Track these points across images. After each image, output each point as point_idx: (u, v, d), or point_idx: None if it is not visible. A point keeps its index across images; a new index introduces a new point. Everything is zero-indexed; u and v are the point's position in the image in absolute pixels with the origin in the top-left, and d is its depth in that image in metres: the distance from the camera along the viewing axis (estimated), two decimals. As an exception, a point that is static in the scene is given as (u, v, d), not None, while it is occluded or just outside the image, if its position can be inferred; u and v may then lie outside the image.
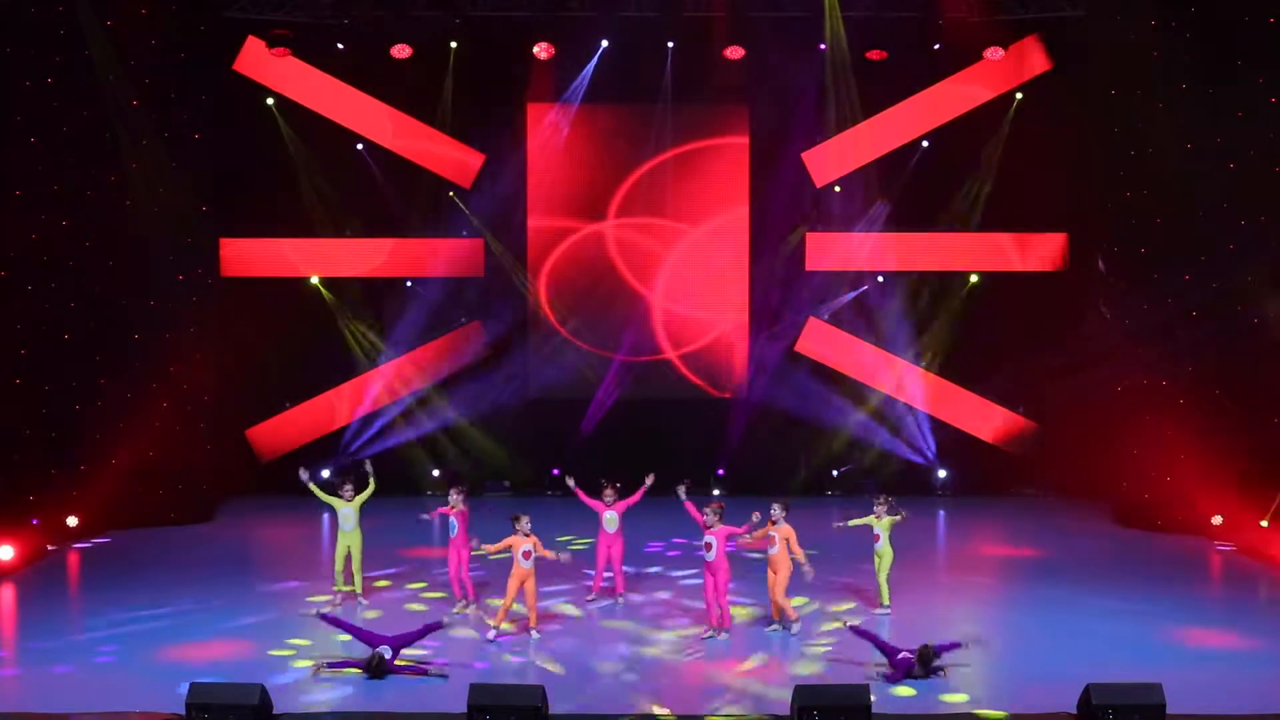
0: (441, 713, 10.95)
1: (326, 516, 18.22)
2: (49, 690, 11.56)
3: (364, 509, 14.54)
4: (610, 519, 14.50)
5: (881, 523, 14.03)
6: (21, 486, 17.17)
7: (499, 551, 13.18)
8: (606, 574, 14.70)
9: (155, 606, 14.42)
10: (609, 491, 14.56)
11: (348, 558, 14.42)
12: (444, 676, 11.85)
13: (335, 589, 14.52)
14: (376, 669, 11.82)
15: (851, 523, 14.16)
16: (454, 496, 14.18)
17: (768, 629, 13.47)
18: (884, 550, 14.05)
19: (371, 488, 14.58)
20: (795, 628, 13.36)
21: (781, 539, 13.31)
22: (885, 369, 21.31)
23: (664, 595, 14.96)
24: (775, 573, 13.35)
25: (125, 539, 18.02)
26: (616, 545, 14.59)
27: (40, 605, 14.67)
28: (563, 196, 21.11)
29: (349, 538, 14.39)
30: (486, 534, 13.58)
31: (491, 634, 13.07)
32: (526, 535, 13.10)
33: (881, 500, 14.20)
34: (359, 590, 14.51)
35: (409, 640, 12.16)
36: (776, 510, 13.40)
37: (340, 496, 14.43)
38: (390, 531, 16.53)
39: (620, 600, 14.64)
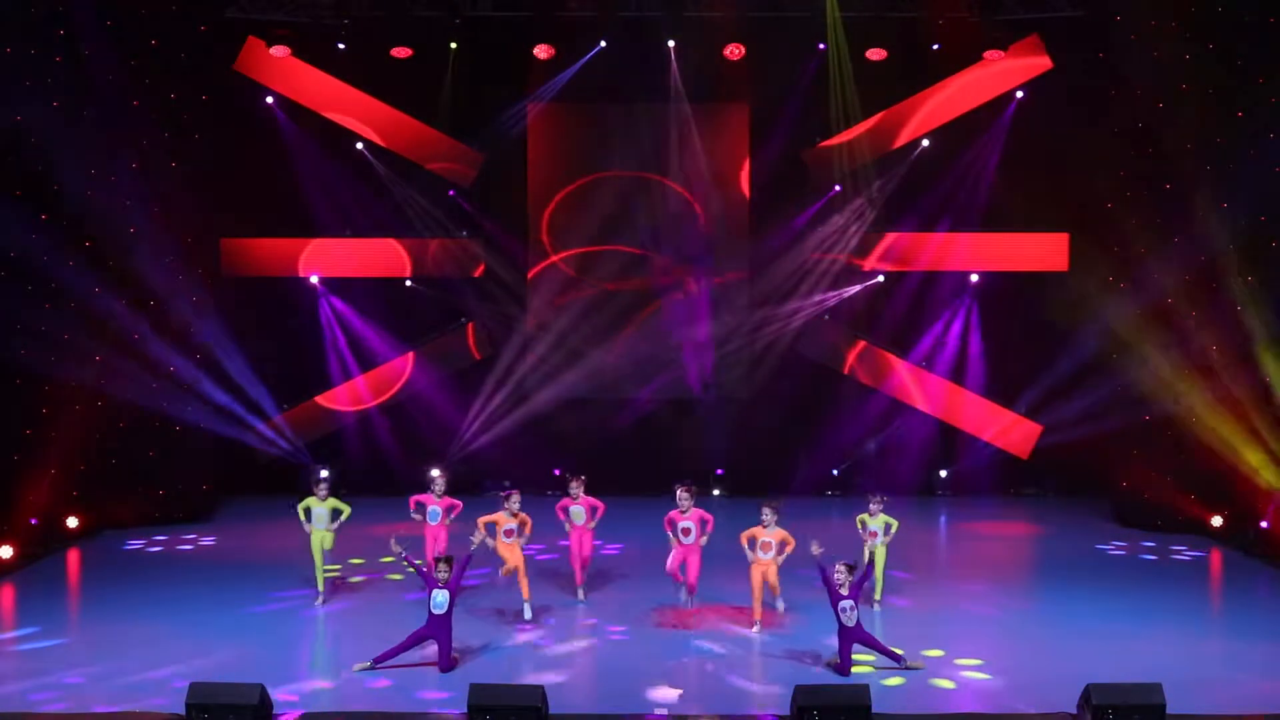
0: (442, 713, 10.97)
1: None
2: (49, 690, 11.56)
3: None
4: (577, 512, 14.54)
5: (877, 520, 14.13)
6: (21, 486, 17.17)
7: (487, 523, 13.41)
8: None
9: (154, 606, 14.45)
10: (575, 484, 14.60)
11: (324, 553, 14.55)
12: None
13: (320, 590, 14.62)
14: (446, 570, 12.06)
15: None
16: (439, 483, 14.24)
17: (754, 631, 13.49)
18: (879, 548, 14.13)
19: (347, 511, 14.63)
20: (757, 629, 13.45)
21: (777, 542, 13.36)
22: (885, 368, 21.30)
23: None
24: (766, 576, 13.39)
25: (125, 539, 18.02)
26: (587, 538, 14.64)
27: (39, 605, 14.66)
28: (563, 196, 21.08)
29: (320, 535, 14.46)
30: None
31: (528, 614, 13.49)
32: (514, 514, 13.26)
33: (878, 499, 14.29)
34: (320, 587, 14.59)
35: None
36: (767, 515, 13.44)
37: (314, 494, 14.49)
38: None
39: (580, 594, 14.72)
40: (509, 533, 13.51)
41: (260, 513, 19.47)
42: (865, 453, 21.32)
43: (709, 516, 13.64)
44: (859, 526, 14.36)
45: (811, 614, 13.77)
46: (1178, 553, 17.36)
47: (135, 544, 17.81)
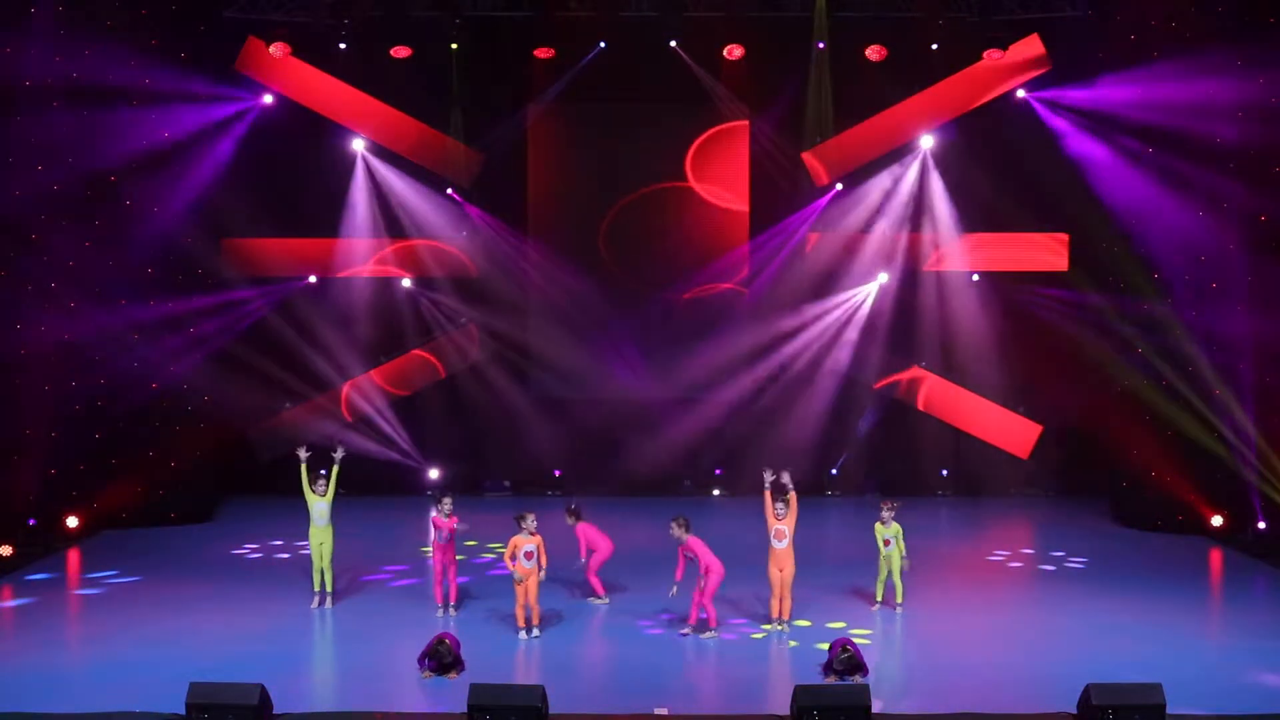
0: (442, 713, 10.97)
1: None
2: (49, 690, 11.56)
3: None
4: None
5: (889, 529, 14.07)
6: (21, 486, 17.16)
7: (512, 555, 13.21)
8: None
9: (154, 607, 14.44)
10: (568, 516, 14.62)
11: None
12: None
13: (316, 591, 14.52)
14: (446, 661, 11.87)
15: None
16: (446, 504, 14.18)
17: (767, 626, 13.48)
18: (894, 553, 14.08)
19: (334, 485, 14.47)
20: (777, 625, 13.42)
21: (791, 530, 13.33)
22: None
23: (646, 598, 14.82)
24: (781, 570, 13.36)
25: (125, 539, 18.01)
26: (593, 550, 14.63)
27: (38, 605, 14.66)
28: (563, 197, 21.10)
29: (321, 534, 14.36)
30: (488, 533, 13.62)
31: (523, 635, 13.20)
32: (531, 535, 13.17)
33: (889, 505, 14.22)
34: (330, 589, 14.51)
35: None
36: (780, 508, 13.40)
37: (314, 490, 14.42)
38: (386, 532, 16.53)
39: (597, 601, 14.65)
40: (529, 555, 13.20)
41: (260, 513, 19.45)
42: (857, 435, 21.28)
43: (715, 565, 13.21)
44: (878, 537, 14.20)
45: (813, 614, 13.80)
46: (1178, 553, 17.32)
47: (135, 543, 17.79)
